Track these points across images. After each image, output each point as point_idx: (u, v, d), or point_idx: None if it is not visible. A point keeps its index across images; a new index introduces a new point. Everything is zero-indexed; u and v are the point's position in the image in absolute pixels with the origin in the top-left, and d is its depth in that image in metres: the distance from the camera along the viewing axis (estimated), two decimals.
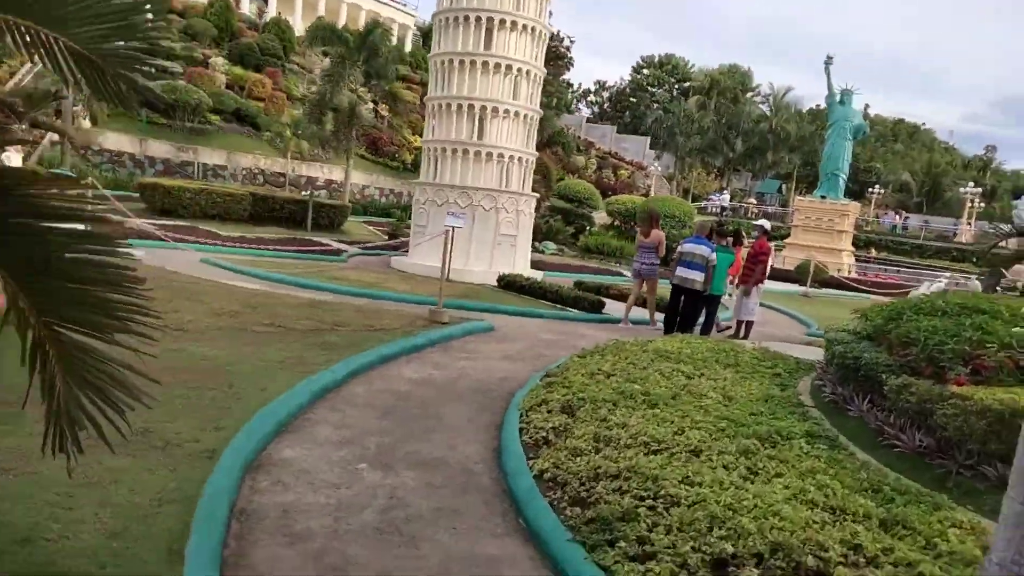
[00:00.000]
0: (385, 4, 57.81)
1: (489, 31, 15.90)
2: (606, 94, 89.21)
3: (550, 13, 16.52)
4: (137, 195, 20.34)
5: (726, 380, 6.77)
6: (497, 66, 15.85)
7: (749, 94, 76.36)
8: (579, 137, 61.84)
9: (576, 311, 12.38)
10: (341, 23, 44.78)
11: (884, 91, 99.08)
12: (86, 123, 30.53)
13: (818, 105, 66.02)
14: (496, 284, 14.69)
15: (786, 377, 7.42)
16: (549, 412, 5.47)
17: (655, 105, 76.99)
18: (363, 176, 36.56)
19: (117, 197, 22.22)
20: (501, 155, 16.11)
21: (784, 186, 64.66)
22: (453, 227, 14.78)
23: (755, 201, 54.64)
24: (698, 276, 11.15)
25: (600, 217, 33.84)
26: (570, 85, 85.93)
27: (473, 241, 15.98)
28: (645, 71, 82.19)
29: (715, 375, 6.98)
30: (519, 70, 16.05)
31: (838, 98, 36.07)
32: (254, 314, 8.23)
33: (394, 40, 53.22)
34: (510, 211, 16.28)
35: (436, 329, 8.82)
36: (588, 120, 79.04)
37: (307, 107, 28.08)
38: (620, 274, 21.19)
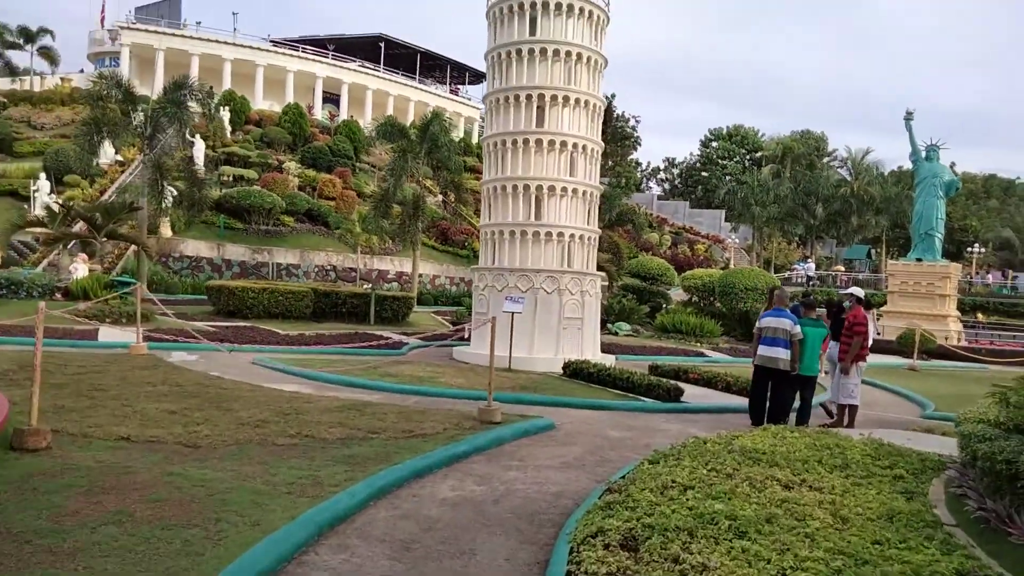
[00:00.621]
0: (450, 99, 59.75)
1: (541, 109, 15.41)
2: (676, 170, 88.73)
3: (612, 95, 15.94)
4: (206, 298, 20.57)
5: (834, 490, 5.38)
6: (551, 143, 15.25)
7: (825, 159, 74.31)
8: (651, 214, 61.03)
9: (650, 400, 11.07)
10: (409, 120, 46.30)
11: (966, 146, 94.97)
12: (167, 232, 31.86)
13: (901, 167, 63.31)
14: (562, 373, 13.55)
15: (911, 481, 5.93)
16: (606, 547, 4.26)
17: (727, 177, 75.73)
18: (433, 266, 36.56)
19: (192, 301, 22.68)
20: (561, 234, 15.27)
21: (873, 251, 61.42)
22: (512, 312, 13.93)
23: (843, 268, 51.79)
24: (783, 354, 9.76)
25: (677, 294, 32.40)
26: (638, 164, 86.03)
27: (536, 327, 15.00)
28: (714, 144, 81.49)
29: (820, 482, 5.59)
30: (574, 146, 15.39)
31: (924, 154, 34.07)
32: (282, 423, 7.39)
33: (460, 133, 54.81)
34: (574, 292, 15.28)
35: (485, 431, 7.75)
36: (659, 197, 78.43)
37: (373, 202, 28.33)
38: (700, 354, 19.64)
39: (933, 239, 33.78)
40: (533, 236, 15.20)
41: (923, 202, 34.08)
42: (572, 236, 15.38)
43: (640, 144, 79.72)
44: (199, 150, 37.83)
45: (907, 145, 34.06)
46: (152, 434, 6.53)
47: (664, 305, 28.70)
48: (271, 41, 53.68)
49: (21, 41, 48.29)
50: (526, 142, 15.26)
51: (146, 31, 48.68)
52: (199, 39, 49.86)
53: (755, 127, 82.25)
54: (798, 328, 9.94)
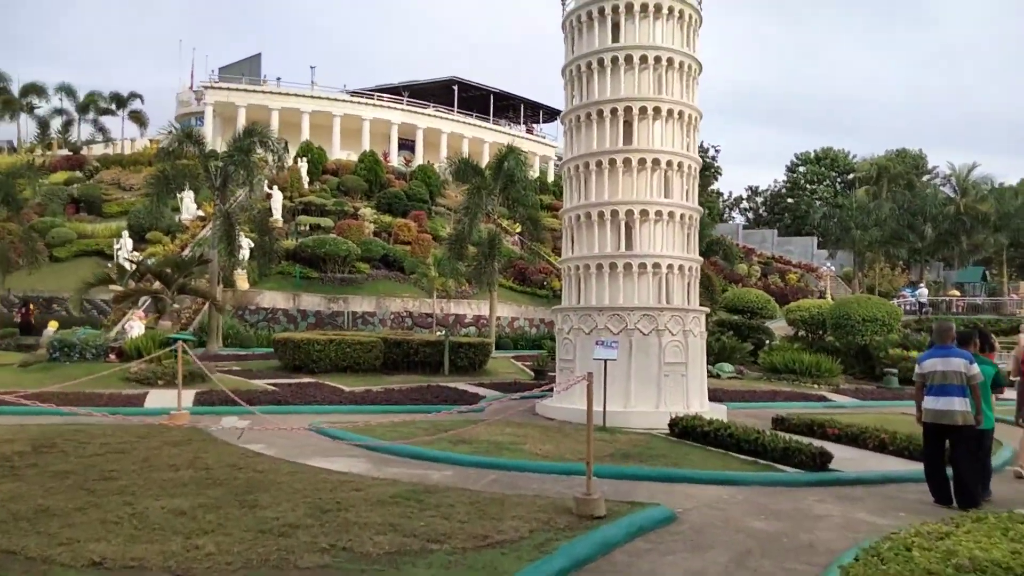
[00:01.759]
0: (525, 138, 58.73)
1: (628, 124, 13.49)
2: (759, 199, 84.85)
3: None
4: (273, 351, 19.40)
5: None
6: (642, 162, 13.26)
7: (926, 177, 69.16)
8: (737, 244, 57.77)
9: (790, 470, 8.70)
10: (484, 163, 45.43)
11: None
12: (244, 284, 31.43)
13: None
14: (668, 431, 11.31)
15: None
16: None
17: (818, 202, 71.47)
18: (511, 308, 34.85)
19: (264, 355, 21.62)
20: (657, 265, 13.16)
21: (987, 272, 55.92)
22: (605, 360, 11.86)
23: (958, 293, 47.00)
24: (959, 404, 7.49)
25: (778, 327, 29.42)
26: (719, 194, 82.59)
27: (633, 375, 12.84)
28: (801, 168, 77.41)
29: None
30: (668, 163, 13.36)
31: None
32: (316, 527, 5.57)
33: (536, 171, 53.57)
34: (675, 332, 13.08)
35: (585, 532, 5.70)
36: (744, 227, 74.78)
37: (448, 243, 26.96)
38: (822, 398, 16.90)
39: None
40: (624, 269, 13.15)
41: None
42: (670, 267, 13.24)
43: (721, 174, 76.60)
44: (276, 201, 37.80)
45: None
46: (137, 554, 4.81)
47: (767, 341, 25.85)
48: (347, 92, 54.31)
49: (113, 106, 50.48)
50: (612, 162, 13.34)
51: (228, 89, 49.97)
52: (278, 94, 50.83)
53: (844, 149, 77.78)
54: (975, 368, 7.61)
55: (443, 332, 18.63)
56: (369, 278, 33.82)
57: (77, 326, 19.04)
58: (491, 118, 58.68)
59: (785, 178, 79.53)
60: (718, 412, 13.28)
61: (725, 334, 23.23)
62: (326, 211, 38.66)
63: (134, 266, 21.95)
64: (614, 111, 13.39)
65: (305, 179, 42.38)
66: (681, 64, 13.62)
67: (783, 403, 15.95)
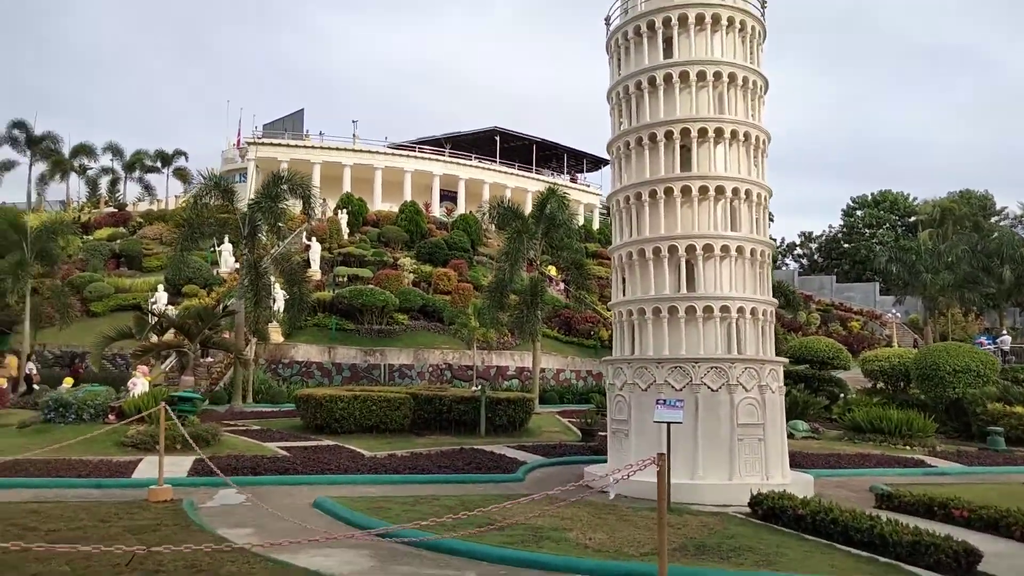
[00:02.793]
0: (569, 187, 57.48)
1: (685, 148, 11.78)
2: (813, 245, 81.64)
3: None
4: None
5: None
6: (703, 190, 11.49)
7: (994, 219, 65.48)
8: (793, 291, 54.92)
9: (925, 573, 6.55)
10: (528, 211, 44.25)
11: None
12: (279, 337, 30.26)
13: None
14: (749, 511, 9.22)
15: None
16: None
17: (878, 246, 68.16)
18: (556, 359, 32.87)
19: (288, 412, 20.14)
20: (725, 308, 11.23)
21: None
22: (668, 423, 9.90)
23: None
24: None
25: (851, 379, 26.80)
26: (772, 239, 79.81)
27: (700, 439, 10.81)
28: (859, 212, 74.30)
29: None
30: (734, 192, 11.54)
31: None
32: None
33: (580, 220, 52.09)
34: (749, 388, 11.05)
35: None
36: (799, 274, 71.68)
37: (487, 291, 25.38)
38: (920, 463, 14.45)
39: None
40: (687, 313, 11.26)
41: None
42: (740, 310, 11.29)
43: (772, 219, 73.99)
44: (315, 252, 37.00)
45: None
46: None
47: (841, 395, 23.32)
48: (389, 145, 54.12)
49: (159, 164, 51.12)
50: (668, 191, 11.59)
51: (271, 144, 50.17)
52: (319, 148, 50.82)
53: (904, 191, 74.51)
54: None
55: (479, 387, 16.85)
56: (407, 329, 32.36)
57: (97, 383, 17.91)
58: (534, 168, 57.72)
59: (842, 222, 76.39)
60: (802, 483, 11.11)
61: (795, 387, 20.84)
62: (365, 262, 37.66)
63: (155, 318, 20.85)
64: (669, 134, 11.71)
65: (345, 230, 41.67)
66: (745, 80, 11.93)
67: (875, 470, 13.61)
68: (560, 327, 35.73)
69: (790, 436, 16.51)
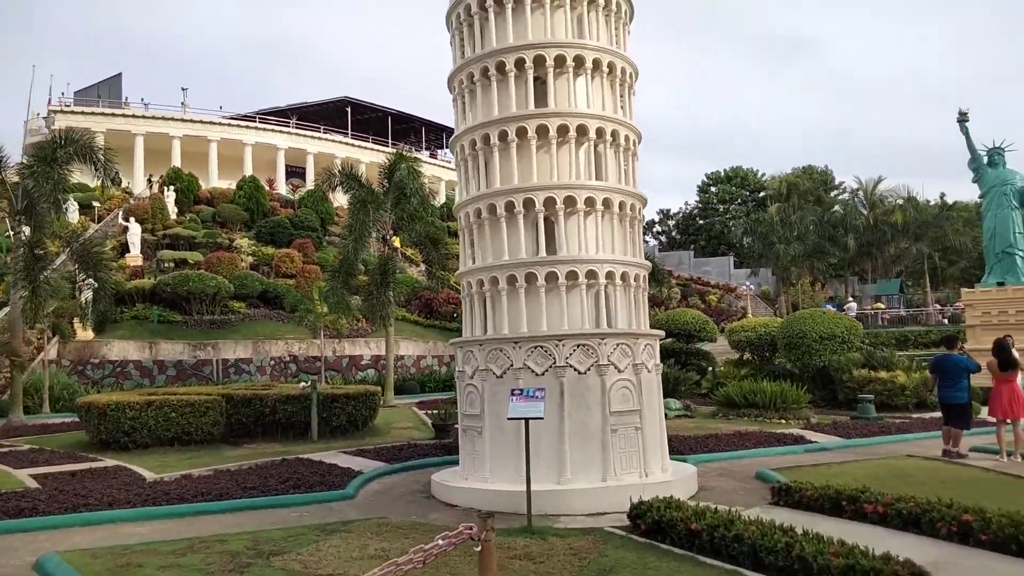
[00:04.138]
0: (428, 162, 54.74)
1: (541, 81, 9.67)
2: (671, 222, 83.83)
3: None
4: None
5: None
6: (563, 130, 9.42)
7: (833, 193, 69.49)
8: (660, 265, 55.46)
9: None
10: None
11: (946, 178, 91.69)
12: (87, 333, 25.77)
13: (929, 200, 57.41)
14: (629, 525, 7.30)
15: None
16: None
17: (730, 221, 70.69)
18: (417, 345, 30.41)
19: (79, 424, 16.31)
20: (592, 274, 9.26)
21: (904, 284, 55.63)
22: (525, 419, 7.79)
23: (882, 305, 45.76)
24: None
25: (717, 351, 26.29)
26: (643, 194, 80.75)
27: (568, 435, 8.82)
28: (713, 189, 76.76)
29: None
30: (598, 132, 9.57)
31: (985, 159, 28.60)
32: None
33: (441, 198, 49.53)
34: (623, 368, 9.18)
35: None
36: (659, 250, 73.15)
37: (331, 271, 22.45)
38: (800, 439, 13.36)
39: (1014, 258, 27.93)
40: (547, 281, 9.19)
41: (994, 216, 28.44)
42: (610, 276, 9.37)
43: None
44: (135, 234, 32.31)
45: (967, 151, 28.69)
46: None
47: (710, 368, 22.52)
48: (226, 116, 48.95)
49: None
50: (522, 132, 9.44)
51: (83, 113, 43.81)
52: (143, 117, 45.04)
53: (754, 168, 77.73)
54: None
55: (307, 383, 14.14)
56: (245, 319, 28.70)
57: None
58: (390, 142, 54.48)
59: (697, 199, 78.71)
60: (685, 477, 9.43)
61: (665, 362, 19.57)
62: (196, 244, 33.32)
63: None
64: (521, 63, 9.55)
65: (173, 210, 36.93)
66: (608, 1, 9.96)
67: (757, 450, 12.31)
68: (421, 310, 33.28)
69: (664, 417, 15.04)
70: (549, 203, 9.30)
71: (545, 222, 9.40)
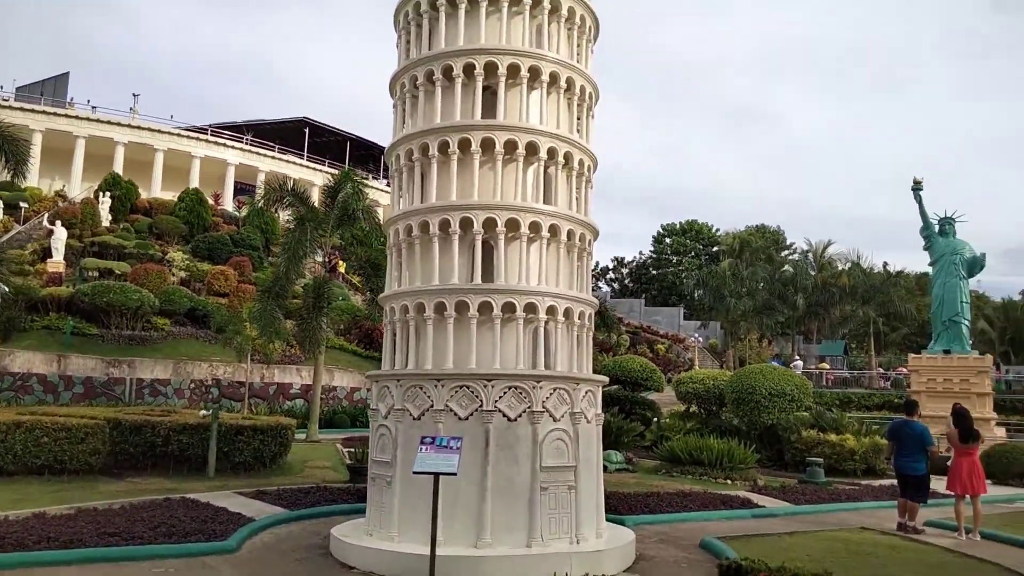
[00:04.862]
0: (385, 191, 53.57)
1: (491, 91, 8.71)
2: (625, 270, 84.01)
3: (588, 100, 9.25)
4: None
5: None
6: (510, 147, 8.44)
7: (784, 252, 70.54)
8: (611, 310, 54.94)
9: None
10: None
11: (887, 249, 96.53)
12: None
13: (874, 267, 58.53)
14: None
15: None
16: None
17: (683, 273, 71.04)
18: (353, 376, 28.78)
19: None
20: (532, 307, 8.20)
21: (848, 346, 56.18)
22: (435, 474, 6.60)
23: (827, 365, 45.90)
24: None
25: (662, 401, 25.46)
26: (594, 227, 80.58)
27: (490, 490, 7.64)
28: (667, 240, 77.26)
29: None
30: (550, 152, 8.62)
31: (937, 228, 28.90)
32: None
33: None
34: (559, 417, 8.08)
35: None
36: (611, 296, 72.95)
37: (260, 291, 20.95)
38: (747, 503, 12.38)
39: (960, 327, 28.15)
40: (480, 312, 8.09)
41: (942, 284, 28.66)
42: (551, 311, 8.32)
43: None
44: (59, 239, 30.12)
45: (919, 218, 28.91)
46: None
47: (655, 419, 21.57)
48: (176, 126, 47.09)
49: None
50: (465, 145, 8.42)
51: (21, 110, 41.53)
52: (87, 119, 42.91)
53: (708, 223, 78.69)
54: None
55: (208, 411, 12.63)
56: (168, 337, 26.75)
57: None
58: (347, 166, 53.16)
59: (652, 249, 79.12)
60: (621, 545, 8.30)
61: (609, 411, 18.58)
62: (126, 254, 31.28)
63: None
64: (470, 69, 8.59)
65: (107, 216, 34.86)
66: (571, 13, 9.13)
67: (700, 513, 11.28)
68: (360, 340, 31.74)
69: (603, 470, 13.93)
70: (489, 225, 8.26)
71: (483, 246, 8.34)
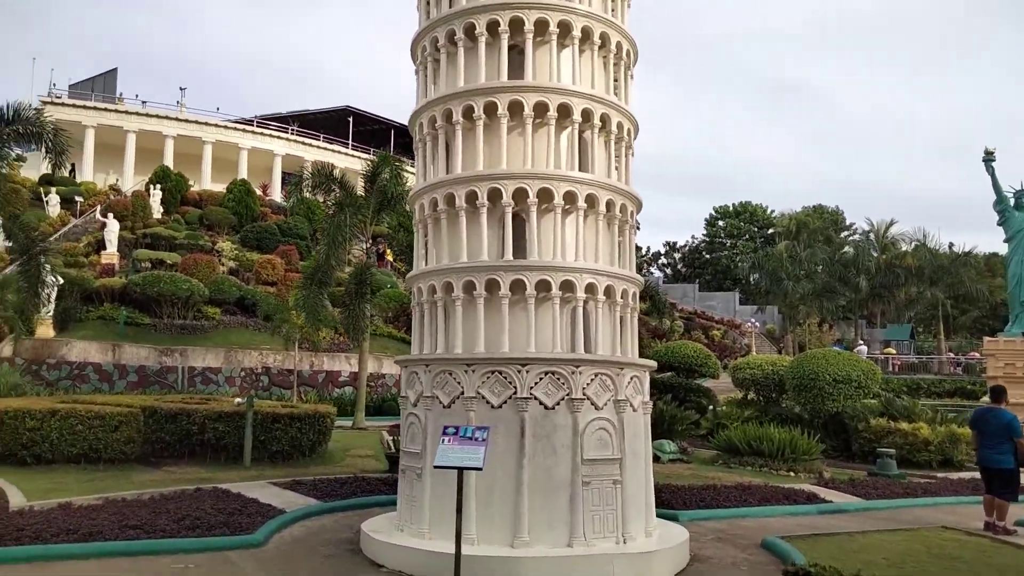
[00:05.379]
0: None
1: (518, 49, 7.99)
2: (677, 255, 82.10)
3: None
4: None
5: None
6: (540, 110, 7.72)
7: (844, 233, 67.76)
8: (663, 295, 53.61)
9: None
10: None
11: (951, 230, 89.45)
12: (48, 331, 24.16)
13: (951, 244, 55.74)
14: None
15: None
16: None
17: (737, 256, 68.95)
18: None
19: None
20: (569, 285, 7.50)
21: (914, 330, 53.52)
22: (460, 469, 5.98)
23: (893, 351, 43.70)
24: None
25: (719, 389, 24.40)
26: (638, 247, 79.26)
27: (526, 484, 6.99)
28: (720, 223, 75.07)
29: None
30: (585, 115, 7.86)
31: (1012, 202, 26.79)
32: None
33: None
34: (602, 405, 7.37)
35: None
36: (664, 280, 71.35)
37: (303, 279, 20.75)
38: (812, 497, 11.43)
39: None
40: (513, 291, 7.44)
41: (1020, 262, 26.53)
42: (591, 289, 7.60)
43: (639, 227, 73.33)
44: (112, 231, 30.68)
45: (992, 192, 26.92)
46: None
47: (710, 407, 20.60)
48: (224, 119, 47.64)
49: None
50: (491, 109, 7.74)
51: (74, 106, 42.57)
52: (137, 114, 43.73)
53: (763, 204, 76.13)
54: None
55: (242, 399, 12.34)
56: (219, 326, 26.94)
57: None
58: (391, 154, 53.05)
59: (704, 232, 77.05)
60: (672, 541, 7.56)
61: (661, 399, 17.75)
62: (177, 245, 31.70)
63: None
64: (494, 27, 7.88)
65: (158, 209, 35.44)
66: None
67: (761, 508, 10.41)
68: (409, 328, 31.44)
69: (655, 460, 13.14)
70: (520, 196, 7.57)
71: (514, 219, 7.66)
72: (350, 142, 50.51)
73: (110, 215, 31.28)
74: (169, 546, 7.39)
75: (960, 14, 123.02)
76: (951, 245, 51.98)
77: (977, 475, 12.93)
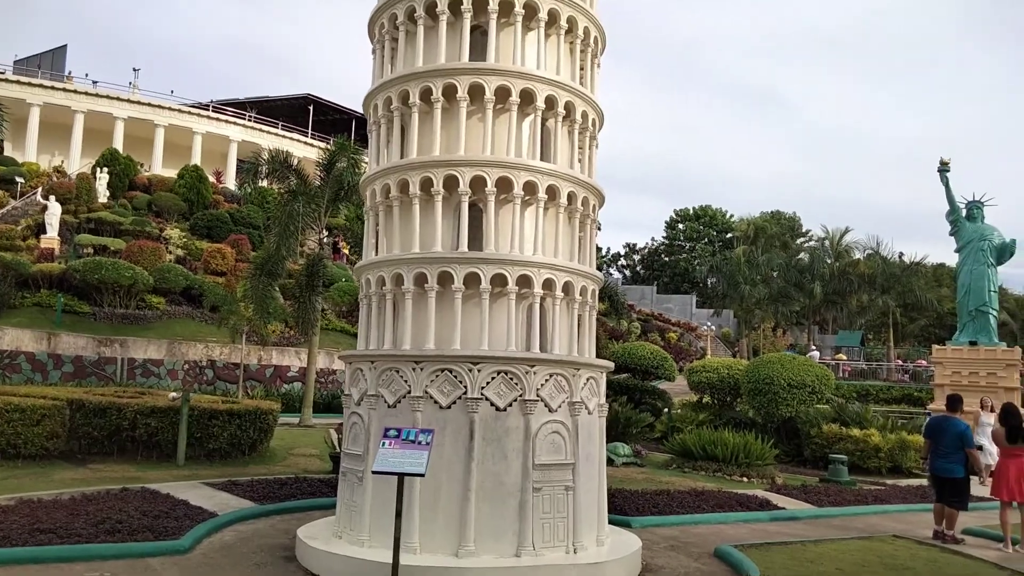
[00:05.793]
0: None
1: (480, 31, 7.58)
2: (637, 256, 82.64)
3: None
4: None
5: None
6: (502, 94, 7.32)
7: (800, 240, 68.95)
8: (622, 296, 53.76)
9: None
10: None
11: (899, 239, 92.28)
12: None
13: (902, 254, 57.05)
14: None
15: None
16: None
17: (696, 259, 69.67)
18: None
19: None
20: (526, 280, 7.11)
21: (864, 337, 54.64)
22: (400, 475, 5.53)
23: (844, 357, 44.51)
24: None
25: (674, 391, 24.35)
26: (598, 248, 79.49)
27: (473, 490, 6.59)
28: (680, 226, 75.82)
29: None
30: (548, 101, 7.49)
31: (964, 212, 27.35)
32: None
33: None
34: (556, 407, 7.01)
35: None
36: (623, 283, 71.69)
37: (251, 269, 19.99)
38: (765, 504, 11.28)
39: (987, 317, 26.61)
40: (466, 285, 7.02)
41: (969, 272, 27.07)
42: (548, 285, 7.23)
43: (600, 227, 73.52)
44: (53, 214, 29.28)
45: (945, 202, 27.44)
46: None
47: (666, 409, 20.48)
48: (178, 102, 46.05)
49: None
50: (450, 92, 7.31)
51: (19, 83, 40.65)
52: (86, 94, 41.97)
53: (723, 208, 77.12)
54: None
55: (178, 395, 11.68)
56: (164, 316, 25.90)
57: None
58: (352, 146, 52.03)
59: (664, 235, 77.73)
60: (624, 551, 7.24)
61: (617, 400, 17.53)
62: (122, 231, 30.46)
63: None
64: (456, 5, 7.45)
65: (104, 193, 34.03)
66: None
67: (714, 515, 10.19)
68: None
69: (609, 463, 12.87)
70: (477, 184, 7.16)
71: (471, 209, 7.24)
72: (310, 131, 49.37)
73: (52, 197, 29.83)
74: (83, 552, 6.79)
75: (917, 37, 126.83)
76: (901, 255, 53.27)
77: (925, 483, 13.01)
